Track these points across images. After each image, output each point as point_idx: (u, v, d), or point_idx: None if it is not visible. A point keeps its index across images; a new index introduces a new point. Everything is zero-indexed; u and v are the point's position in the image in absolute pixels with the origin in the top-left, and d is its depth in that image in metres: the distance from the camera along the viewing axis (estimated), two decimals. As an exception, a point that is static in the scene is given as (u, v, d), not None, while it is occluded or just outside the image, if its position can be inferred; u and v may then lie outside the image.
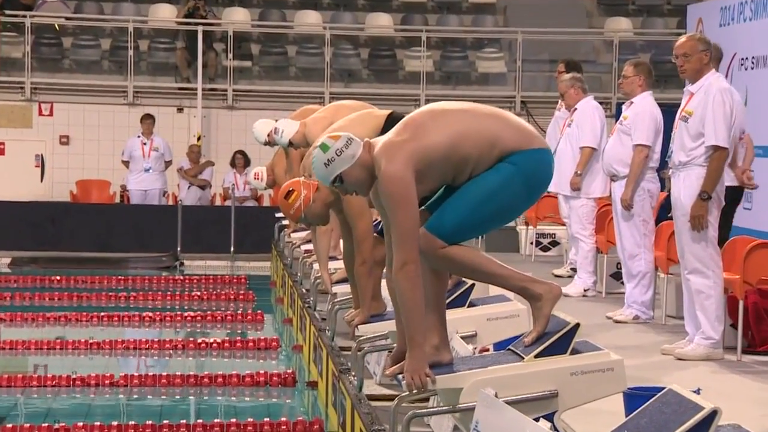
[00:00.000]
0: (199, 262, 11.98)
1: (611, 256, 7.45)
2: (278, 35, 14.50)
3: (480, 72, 14.36)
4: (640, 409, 2.92)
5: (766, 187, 7.46)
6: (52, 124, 13.37)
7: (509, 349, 3.62)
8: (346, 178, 3.57)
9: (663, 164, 6.53)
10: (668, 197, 5.80)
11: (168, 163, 12.83)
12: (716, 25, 9.65)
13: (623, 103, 6.86)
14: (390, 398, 4.00)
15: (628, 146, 6.47)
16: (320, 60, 13.92)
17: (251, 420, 5.43)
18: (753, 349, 5.57)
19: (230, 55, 13.72)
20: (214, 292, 9.79)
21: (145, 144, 12.62)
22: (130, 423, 5.40)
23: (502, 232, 10.01)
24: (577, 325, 3.49)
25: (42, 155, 13.30)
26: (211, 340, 7.54)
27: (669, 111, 6.15)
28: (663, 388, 2.95)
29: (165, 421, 5.44)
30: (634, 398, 3.41)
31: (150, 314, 8.48)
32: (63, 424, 5.39)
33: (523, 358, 3.47)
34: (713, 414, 2.66)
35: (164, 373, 6.49)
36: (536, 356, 3.44)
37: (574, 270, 7.97)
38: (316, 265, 6.37)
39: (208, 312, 8.70)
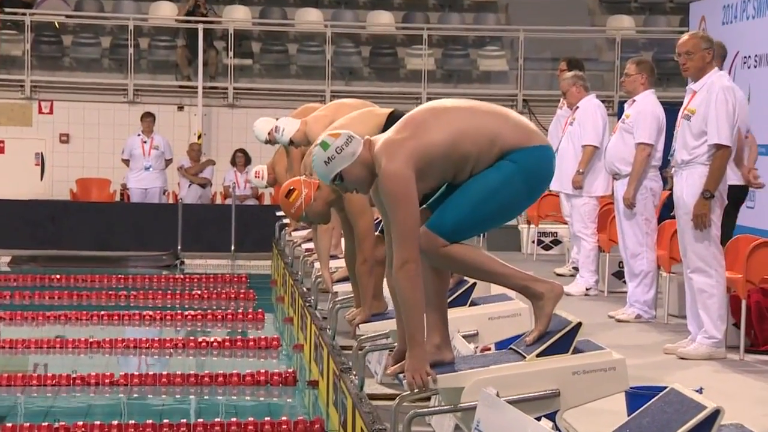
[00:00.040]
0: (200, 261, 11.96)
1: (613, 254, 7.43)
2: (279, 33, 14.48)
3: (482, 70, 14.34)
4: (642, 408, 2.91)
5: (769, 186, 7.42)
6: (52, 123, 13.36)
7: (511, 348, 3.61)
8: (346, 176, 3.56)
9: (665, 163, 6.51)
10: (671, 196, 5.77)
11: (168, 162, 12.81)
12: (719, 23, 9.62)
13: (625, 101, 6.83)
14: (391, 397, 4.00)
15: (630, 145, 6.44)
16: (321, 58, 13.91)
17: (252, 419, 5.42)
18: (756, 349, 5.55)
19: (231, 53, 13.70)
20: (215, 291, 9.78)
21: (145, 142, 12.60)
22: (131, 422, 5.39)
23: (504, 231, 10.00)
24: (579, 325, 3.48)
25: (42, 153, 13.29)
26: (212, 339, 7.53)
27: (671, 109, 6.13)
28: (665, 388, 2.94)
29: (165, 421, 5.43)
30: (636, 397, 3.40)
31: (150, 313, 8.47)
32: (63, 424, 5.38)
33: (524, 358, 3.46)
34: (715, 413, 2.65)
35: (164, 373, 6.48)
36: (538, 355, 3.44)
37: (576, 269, 7.95)
38: (317, 264, 6.35)
39: (209, 311, 8.68)
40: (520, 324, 4.23)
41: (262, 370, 6.45)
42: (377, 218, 4.82)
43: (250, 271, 11.13)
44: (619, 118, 6.77)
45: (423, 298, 3.50)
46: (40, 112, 13.37)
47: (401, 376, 3.65)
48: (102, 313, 8.39)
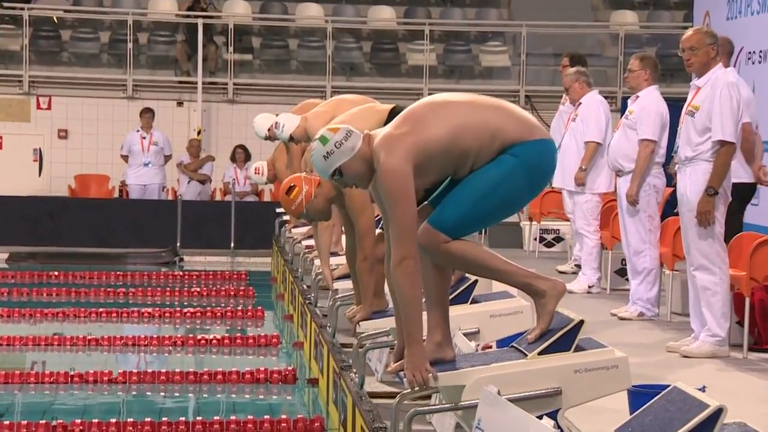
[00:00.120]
0: (199, 258, 11.93)
1: (616, 252, 7.40)
2: (279, 28, 14.45)
3: (483, 66, 14.30)
4: (644, 406, 2.89)
5: (774, 183, 7.37)
6: (51, 118, 13.32)
7: (512, 346, 3.59)
8: (345, 171, 3.53)
9: (669, 159, 6.46)
10: (674, 193, 5.73)
11: (167, 158, 12.77)
12: (723, 18, 9.58)
13: (629, 97, 6.79)
14: (392, 395, 3.98)
15: (633, 141, 6.40)
16: (322, 53, 13.87)
17: (251, 417, 5.39)
18: (759, 347, 5.53)
19: (231, 49, 13.67)
20: (214, 288, 9.74)
21: (144, 138, 12.56)
22: (129, 420, 5.36)
23: (506, 228, 9.97)
24: (581, 322, 3.46)
25: (40, 149, 13.25)
26: (211, 337, 7.50)
27: (675, 105, 6.09)
28: (668, 386, 2.92)
29: (164, 419, 5.39)
30: (639, 396, 3.38)
31: (149, 310, 8.44)
32: (61, 422, 5.35)
33: (526, 356, 3.44)
34: (718, 412, 2.62)
35: (163, 370, 6.44)
36: (540, 353, 3.42)
37: (578, 266, 7.92)
38: (317, 261, 6.32)
39: (208, 308, 8.65)
40: (521, 322, 4.22)
41: (262, 368, 6.42)
42: (378, 215, 4.78)
43: (250, 268, 11.11)
44: (622, 115, 6.73)
45: (421, 296, 3.48)
46: (39, 107, 13.33)
47: (401, 374, 3.61)
48: (101, 310, 8.36)
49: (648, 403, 2.87)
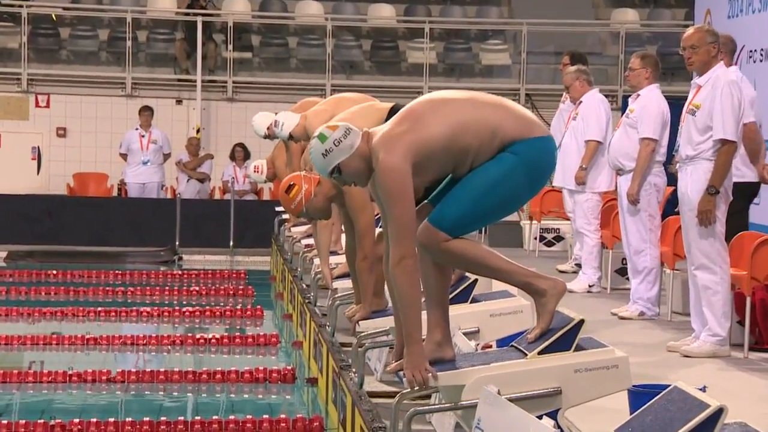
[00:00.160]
0: (198, 257, 11.91)
1: (616, 251, 7.38)
2: (279, 26, 14.42)
3: (484, 64, 14.28)
4: (645, 406, 2.88)
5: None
6: (49, 116, 13.30)
7: (512, 346, 3.58)
8: (344, 168, 3.51)
9: (670, 158, 6.44)
10: (675, 192, 5.71)
11: (166, 156, 12.75)
12: (724, 17, 9.56)
13: (629, 95, 6.77)
14: (391, 395, 3.98)
15: (634, 140, 6.38)
16: (321, 51, 13.85)
17: (250, 417, 5.38)
18: (760, 347, 5.52)
19: (230, 47, 13.64)
20: (213, 287, 9.73)
21: (143, 136, 12.54)
22: (128, 419, 5.35)
23: (506, 227, 9.95)
24: (582, 322, 3.45)
25: (38, 147, 13.23)
26: (210, 336, 7.49)
27: (676, 104, 6.07)
28: (668, 386, 2.91)
29: (163, 418, 5.38)
30: (639, 396, 3.37)
31: (148, 309, 8.42)
32: (59, 421, 5.34)
33: (526, 355, 3.43)
34: (719, 412, 2.62)
35: (162, 369, 6.43)
36: (540, 353, 3.41)
37: (578, 265, 7.91)
38: (316, 260, 6.31)
39: (207, 307, 8.64)
40: (521, 321, 4.21)
41: (261, 367, 6.41)
42: (378, 214, 4.76)
43: (249, 267, 11.09)
44: (623, 113, 6.71)
45: (420, 295, 3.46)
46: (37, 105, 13.30)
47: (401, 373, 3.60)
48: (99, 309, 8.34)
49: (648, 403, 2.87)
